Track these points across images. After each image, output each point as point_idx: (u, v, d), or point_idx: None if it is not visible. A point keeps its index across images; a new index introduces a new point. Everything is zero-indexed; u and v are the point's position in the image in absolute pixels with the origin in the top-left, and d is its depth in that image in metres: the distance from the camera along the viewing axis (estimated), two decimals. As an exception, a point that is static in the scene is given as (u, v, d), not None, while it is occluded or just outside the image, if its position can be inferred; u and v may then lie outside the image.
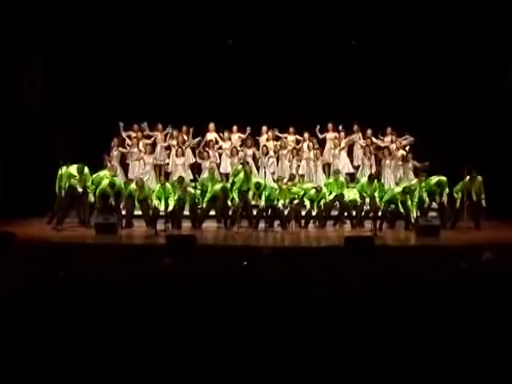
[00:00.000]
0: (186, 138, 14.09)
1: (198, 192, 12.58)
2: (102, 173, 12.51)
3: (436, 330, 3.87)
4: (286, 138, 14.34)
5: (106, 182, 12.06)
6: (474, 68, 14.00)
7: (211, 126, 14.29)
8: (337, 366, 3.44)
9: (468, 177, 12.16)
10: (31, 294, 4.64)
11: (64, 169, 11.96)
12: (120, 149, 13.83)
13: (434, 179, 12.39)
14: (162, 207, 12.01)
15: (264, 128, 14.32)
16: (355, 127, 14.31)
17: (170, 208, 12.05)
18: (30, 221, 12.66)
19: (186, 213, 12.52)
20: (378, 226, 11.92)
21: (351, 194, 12.71)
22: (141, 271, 6.19)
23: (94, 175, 12.39)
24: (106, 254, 8.42)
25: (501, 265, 6.81)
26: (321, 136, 14.41)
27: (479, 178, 12.30)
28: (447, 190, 12.35)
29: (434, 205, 12.61)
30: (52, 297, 4.53)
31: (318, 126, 14.31)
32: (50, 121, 14.09)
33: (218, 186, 12.44)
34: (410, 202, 12.07)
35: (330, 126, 14.39)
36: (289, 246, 10.74)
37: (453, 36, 13.84)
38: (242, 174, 12.57)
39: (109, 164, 13.25)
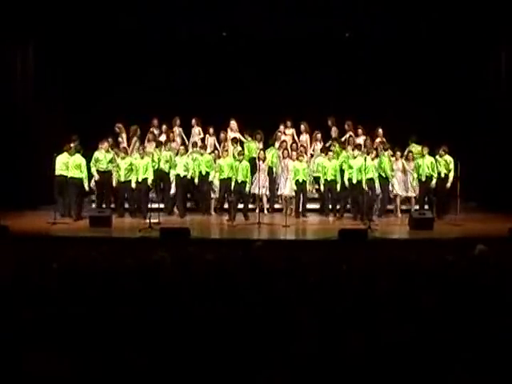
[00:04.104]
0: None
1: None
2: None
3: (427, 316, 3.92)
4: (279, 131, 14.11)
5: None
6: (465, 59, 14.00)
7: (195, 120, 13.99)
8: (332, 352, 3.48)
9: (438, 155, 12.52)
10: (25, 282, 4.65)
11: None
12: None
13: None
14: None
15: None
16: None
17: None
18: (24, 213, 12.63)
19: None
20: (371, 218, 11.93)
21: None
22: (135, 262, 6.19)
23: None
24: (100, 246, 8.41)
25: (493, 257, 6.84)
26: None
27: (448, 157, 12.48)
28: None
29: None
30: (45, 284, 4.55)
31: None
32: (44, 112, 13.98)
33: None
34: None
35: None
36: (282, 239, 10.77)
37: (445, 25, 13.80)
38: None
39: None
